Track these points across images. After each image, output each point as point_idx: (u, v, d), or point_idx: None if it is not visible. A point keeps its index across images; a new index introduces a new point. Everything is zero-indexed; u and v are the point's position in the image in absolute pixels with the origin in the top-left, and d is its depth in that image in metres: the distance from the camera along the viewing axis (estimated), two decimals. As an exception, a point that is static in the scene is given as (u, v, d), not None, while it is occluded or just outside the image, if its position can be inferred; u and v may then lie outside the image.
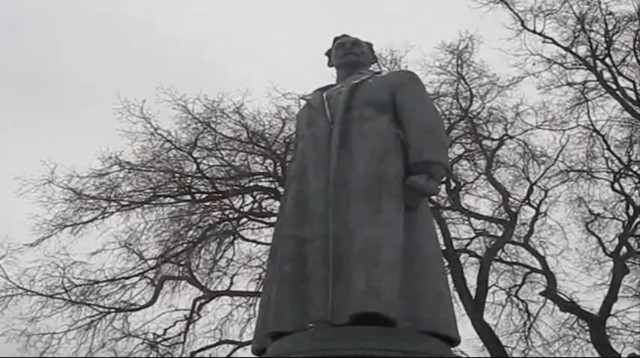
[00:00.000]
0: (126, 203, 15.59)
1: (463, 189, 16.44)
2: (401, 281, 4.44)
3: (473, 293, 14.86)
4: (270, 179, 16.12)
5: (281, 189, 13.71)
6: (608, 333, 14.60)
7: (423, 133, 4.90)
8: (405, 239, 4.59)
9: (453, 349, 4.74)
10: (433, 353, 4.30)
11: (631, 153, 16.00)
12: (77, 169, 15.26)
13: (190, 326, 15.74)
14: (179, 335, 15.65)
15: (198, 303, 15.83)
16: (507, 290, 16.31)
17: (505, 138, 16.36)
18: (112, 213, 15.54)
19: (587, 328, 14.88)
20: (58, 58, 26.62)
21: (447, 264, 13.50)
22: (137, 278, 15.66)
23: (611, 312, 14.76)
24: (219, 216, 16.36)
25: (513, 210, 15.82)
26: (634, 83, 15.63)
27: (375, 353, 4.11)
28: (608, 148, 15.96)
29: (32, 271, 14.81)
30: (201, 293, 15.78)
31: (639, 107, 15.49)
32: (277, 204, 14.14)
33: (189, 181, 15.93)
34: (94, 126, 19.35)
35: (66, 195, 15.27)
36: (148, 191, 15.69)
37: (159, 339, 15.51)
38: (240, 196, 16.24)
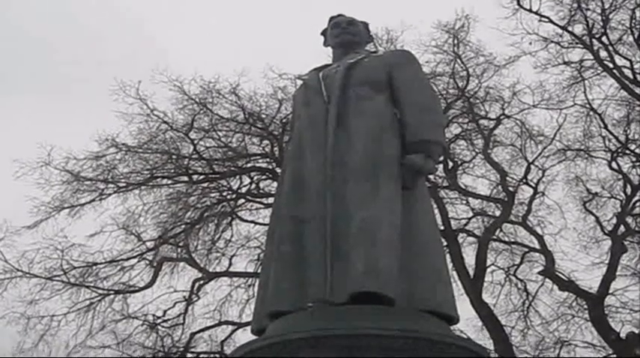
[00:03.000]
0: (123, 185, 15.58)
1: (460, 168, 16.42)
2: (399, 261, 4.45)
3: (471, 272, 14.90)
4: (268, 160, 16.12)
5: (278, 170, 13.68)
6: (606, 312, 14.61)
7: (419, 112, 4.90)
8: (403, 218, 4.59)
9: (451, 327, 4.76)
10: (432, 332, 4.30)
11: (628, 131, 15.97)
12: (74, 151, 15.27)
13: (190, 308, 15.78)
14: (178, 316, 15.69)
15: (197, 284, 15.84)
16: (506, 269, 16.32)
17: (502, 117, 16.31)
18: (110, 194, 15.55)
19: (585, 307, 14.88)
20: (53, 39, 26.52)
21: (445, 243, 13.50)
22: (136, 260, 15.69)
23: (610, 291, 14.76)
24: (216, 197, 16.35)
25: (511, 189, 15.80)
26: (631, 62, 15.55)
27: (373, 332, 4.11)
28: (606, 127, 15.90)
29: (31, 253, 14.86)
30: (200, 275, 15.77)
31: (636, 86, 15.43)
32: (275, 184, 14.16)
33: (186, 162, 15.91)
34: (91, 108, 19.27)
35: (63, 178, 15.28)
36: (145, 172, 15.68)
37: (158, 321, 15.56)
38: (237, 177, 16.24)
